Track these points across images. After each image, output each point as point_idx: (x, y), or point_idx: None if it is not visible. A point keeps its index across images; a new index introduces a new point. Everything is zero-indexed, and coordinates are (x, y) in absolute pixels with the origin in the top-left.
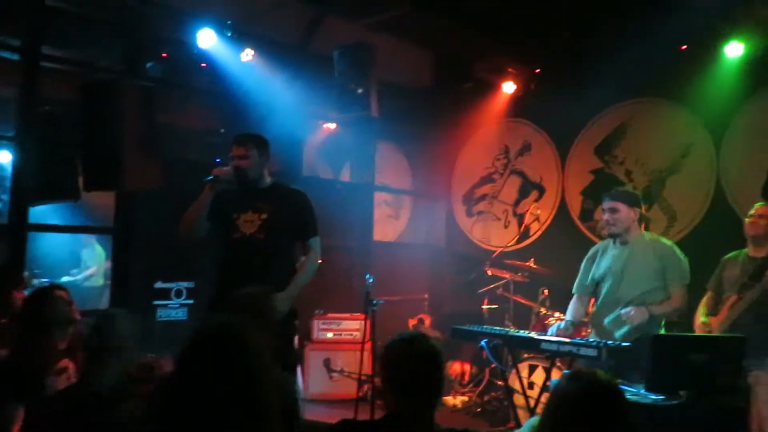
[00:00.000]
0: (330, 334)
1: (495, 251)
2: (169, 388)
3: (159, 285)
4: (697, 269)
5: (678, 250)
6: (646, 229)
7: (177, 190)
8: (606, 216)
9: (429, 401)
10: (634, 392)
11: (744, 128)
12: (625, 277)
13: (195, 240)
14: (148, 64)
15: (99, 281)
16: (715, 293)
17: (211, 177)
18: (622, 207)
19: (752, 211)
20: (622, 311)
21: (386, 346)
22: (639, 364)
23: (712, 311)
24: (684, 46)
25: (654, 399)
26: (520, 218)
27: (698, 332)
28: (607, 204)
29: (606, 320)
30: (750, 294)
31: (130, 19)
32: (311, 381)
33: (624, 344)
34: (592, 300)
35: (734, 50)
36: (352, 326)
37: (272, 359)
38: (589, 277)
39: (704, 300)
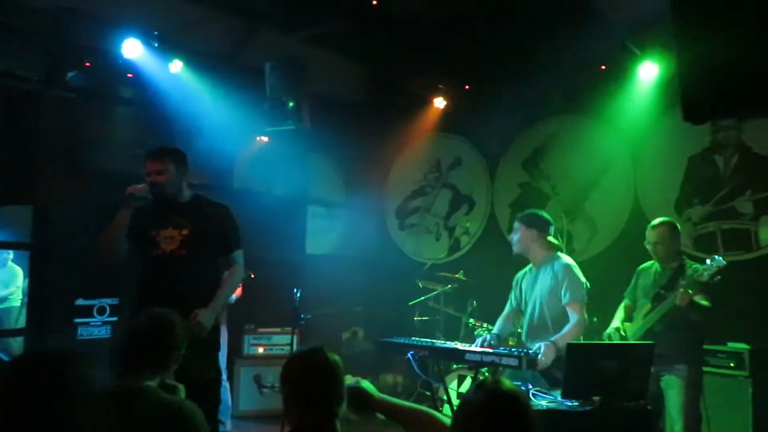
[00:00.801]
0: (260, 350)
1: (427, 263)
2: None
3: (80, 302)
4: (617, 279)
5: (573, 269)
6: (569, 242)
7: (100, 203)
8: (510, 236)
9: (328, 413)
10: (552, 399)
11: (659, 145)
12: (537, 305)
13: (116, 262)
14: (70, 74)
15: (17, 301)
16: (631, 301)
17: (125, 196)
18: (519, 227)
19: (646, 240)
20: (538, 359)
21: (285, 362)
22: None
23: (628, 318)
24: (603, 66)
25: (569, 405)
26: (452, 231)
27: (612, 334)
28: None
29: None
30: (662, 304)
31: (49, 27)
32: (241, 397)
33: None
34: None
35: (648, 71)
36: (283, 341)
37: (95, 393)
38: (514, 301)
39: (621, 306)
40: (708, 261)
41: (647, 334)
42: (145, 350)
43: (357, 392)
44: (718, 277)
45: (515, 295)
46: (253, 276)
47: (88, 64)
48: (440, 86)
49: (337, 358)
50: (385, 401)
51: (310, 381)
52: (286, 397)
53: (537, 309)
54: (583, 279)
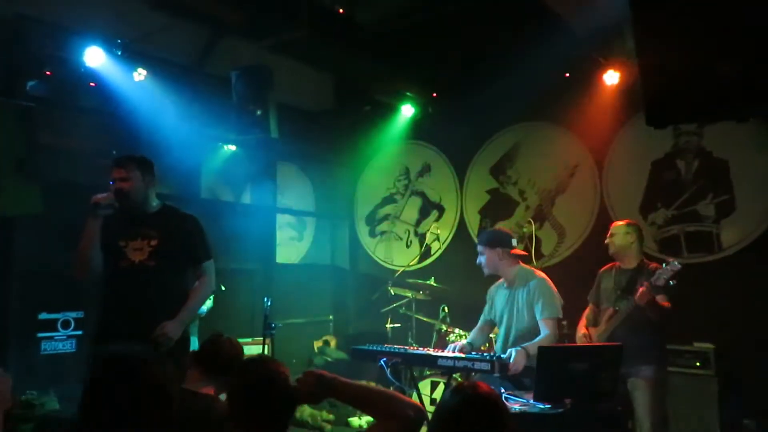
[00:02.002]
0: None
1: (398, 271)
2: None
3: (43, 316)
4: (585, 282)
5: (546, 284)
6: (537, 247)
7: (63, 215)
8: (477, 260)
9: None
10: (524, 402)
11: (623, 151)
12: (515, 323)
13: (95, 274)
14: (30, 83)
15: None
16: (595, 305)
17: (92, 205)
18: (483, 250)
19: (613, 241)
20: (510, 363)
21: (231, 376)
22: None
23: (593, 323)
24: (567, 74)
25: (541, 408)
26: (422, 238)
27: (579, 343)
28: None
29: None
30: (624, 307)
31: (7, 35)
32: None
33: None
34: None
35: (611, 78)
36: (255, 351)
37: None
38: (488, 315)
39: (586, 312)
40: (664, 265)
41: (611, 337)
42: None
43: (320, 377)
44: (674, 281)
45: (488, 309)
46: (223, 288)
47: (48, 73)
48: (407, 94)
49: (282, 368)
50: (348, 383)
51: (255, 397)
52: (233, 413)
53: (513, 326)
54: (557, 295)
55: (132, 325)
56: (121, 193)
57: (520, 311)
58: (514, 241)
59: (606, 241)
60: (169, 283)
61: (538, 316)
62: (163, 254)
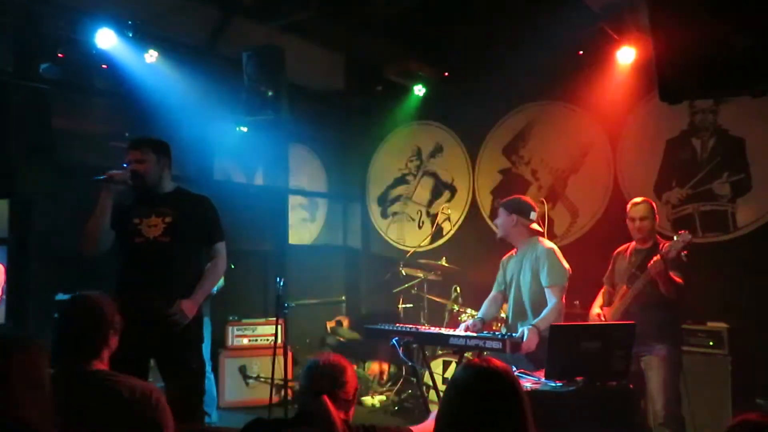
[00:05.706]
0: (245, 341)
1: (410, 251)
2: None
3: (60, 296)
4: (598, 262)
5: (554, 253)
6: (550, 227)
7: (78, 196)
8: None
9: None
10: (535, 380)
11: (637, 129)
12: (522, 288)
13: (102, 252)
14: (43, 66)
15: None
16: (610, 286)
17: (104, 176)
18: (501, 212)
19: (630, 214)
20: (522, 342)
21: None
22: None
23: (607, 303)
24: (581, 52)
25: (553, 386)
26: (434, 218)
27: (593, 319)
28: None
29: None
30: (636, 284)
31: (20, 17)
32: (227, 389)
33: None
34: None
35: (625, 56)
36: (268, 331)
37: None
38: (500, 284)
39: (601, 292)
40: (675, 237)
41: (624, 315)
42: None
43: None
44: (685, 253)
45: (501, 278)
46: (233, 267)
47: (60, 55)
48: (419, 74)
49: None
50: None
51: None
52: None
53: (520, 292)
54: (565, 263)
55: (146, 299)
56: (137, 175)
57: (526, 277)
58: (533, 215)
59: (634, 225)
60: (183, 260)
61: (543, 283)
62: (177, 231)
